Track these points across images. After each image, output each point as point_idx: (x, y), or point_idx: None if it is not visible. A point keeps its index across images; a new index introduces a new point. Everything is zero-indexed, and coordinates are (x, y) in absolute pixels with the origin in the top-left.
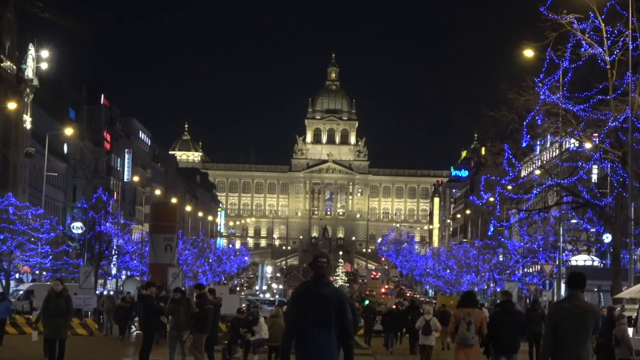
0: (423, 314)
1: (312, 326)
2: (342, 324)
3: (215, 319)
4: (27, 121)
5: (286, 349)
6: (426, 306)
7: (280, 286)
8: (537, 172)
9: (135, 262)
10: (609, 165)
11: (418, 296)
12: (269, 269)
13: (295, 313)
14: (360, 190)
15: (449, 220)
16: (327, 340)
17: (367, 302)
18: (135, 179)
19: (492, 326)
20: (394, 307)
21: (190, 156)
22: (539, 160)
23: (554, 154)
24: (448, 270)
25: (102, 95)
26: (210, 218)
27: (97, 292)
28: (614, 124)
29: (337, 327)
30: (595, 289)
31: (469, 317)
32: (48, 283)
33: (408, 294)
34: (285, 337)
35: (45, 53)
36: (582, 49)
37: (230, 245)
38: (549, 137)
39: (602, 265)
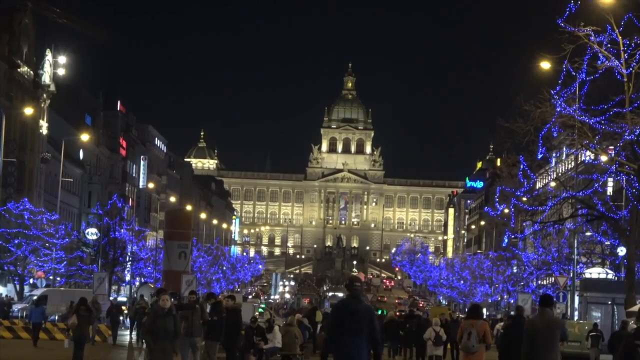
0: (428, 324)
1: (348, 335)
2: (372, 333)
3: (238, 323)
4: (44, 126)
5: (326, 353)
6: (434, 318)
7: (293, 296)
8: (553, 184)
9: (149, 268)
10: (624, 178)
11: (432, 306)
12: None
13: (334, 324)
14: (375, 200)
15: (463, 231)
16: (360, 346)
17: (380, 311)
18: (151, 185)
19: (505, 337)
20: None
21: (205, 163)
22: (554, 172)
23: (570, 166)
24: (462, 281)
25: (119, 101)
26: (224, 226)
27: (111, 298)
28: (630, 137)
29: (368, 336)
30: (609, 302)
31: (471, 327)
32: (62, 288)
33: (420, 305)
34: (325, 343)
35: (62, 59)
36: (599, 62)
37: (245, 253)
38: (564, 149)
39: (616, 278)
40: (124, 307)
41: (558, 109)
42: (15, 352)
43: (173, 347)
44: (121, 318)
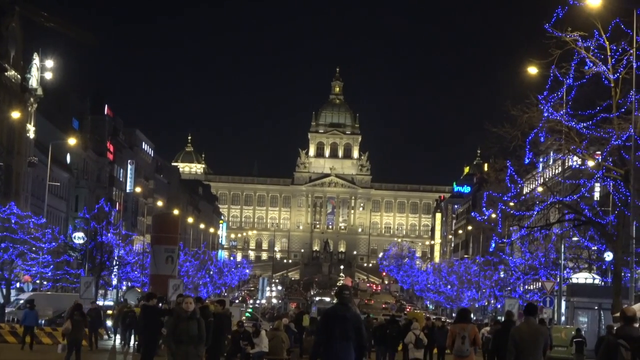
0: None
1: (337, 339)
2: (359, 339)
3: (222, 329)
4: (31, 131)
5: (314, 356)
6: (414, 322)
7: (280, 301)
8: (540, 189)
9: (136, 273)
10: (611, 184)
11: (418, 311)
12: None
13: (324, 329)
14: (362, 205)
15: (450, 236)
16: (347, 350)
17: (366, 315)
18: (138, 190)
19: (495, 342)
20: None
21: (193, 168)
22: (542, 178)
23: (557, 172)
24: (449, 286)
25: (106, 105)
26: (212, 230)
27: (100, 302)
28: (617, 142)
29: (355, 341)
30: (596, 307)
31: (463, 331)
32: (48, 293)
33: (408, 309)
34: (314, 347)
35: (49, 63)
36: (586, 67)
37: (232, 258)
38: (551, 154)
39: (602, 283)
40: (109, 311)
41: (545, 114)
42: (9, 357)
43: (197, 352)
44: (107, 322)
